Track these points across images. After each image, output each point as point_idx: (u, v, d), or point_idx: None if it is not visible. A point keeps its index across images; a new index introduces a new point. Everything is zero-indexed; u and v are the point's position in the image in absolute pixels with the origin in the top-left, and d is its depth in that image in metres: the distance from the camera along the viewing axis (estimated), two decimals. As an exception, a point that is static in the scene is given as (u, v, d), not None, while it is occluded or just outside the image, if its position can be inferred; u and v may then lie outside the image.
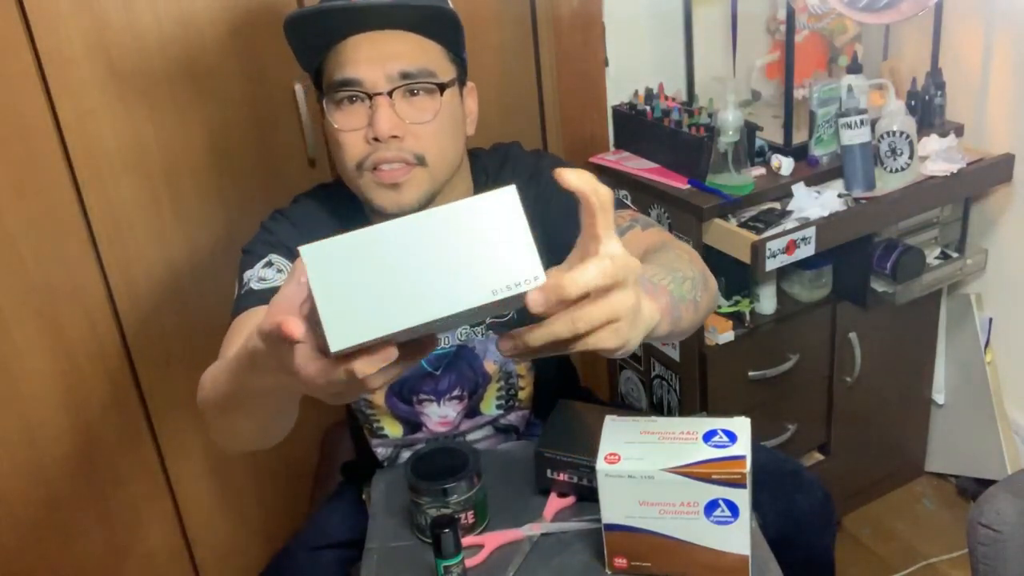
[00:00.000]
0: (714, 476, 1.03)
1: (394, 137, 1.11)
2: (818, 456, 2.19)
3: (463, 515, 1.17)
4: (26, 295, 1.63)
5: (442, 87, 1.14)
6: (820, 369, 2.07)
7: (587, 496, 1.22)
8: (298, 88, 1.70)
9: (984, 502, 1.24)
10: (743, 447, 1.05)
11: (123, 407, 1.79)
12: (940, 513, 2.30)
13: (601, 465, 1.07)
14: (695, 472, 1.03)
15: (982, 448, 2.22)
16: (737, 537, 1.06)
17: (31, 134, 1.55)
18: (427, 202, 1.16)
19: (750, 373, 1.96)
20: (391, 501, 1.28)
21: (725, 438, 1.07)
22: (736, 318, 1.95)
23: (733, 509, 1.04)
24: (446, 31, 1.15)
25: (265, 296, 1.17)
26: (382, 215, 1.14)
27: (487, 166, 1.32)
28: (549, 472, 1.24)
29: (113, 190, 1.64)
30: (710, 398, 1.94)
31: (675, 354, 1.98)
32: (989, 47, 1.97)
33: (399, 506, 1.26)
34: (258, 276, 1.21)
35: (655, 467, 1.04)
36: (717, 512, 1.05)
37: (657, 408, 2.11)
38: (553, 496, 1.25)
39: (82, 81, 1.55)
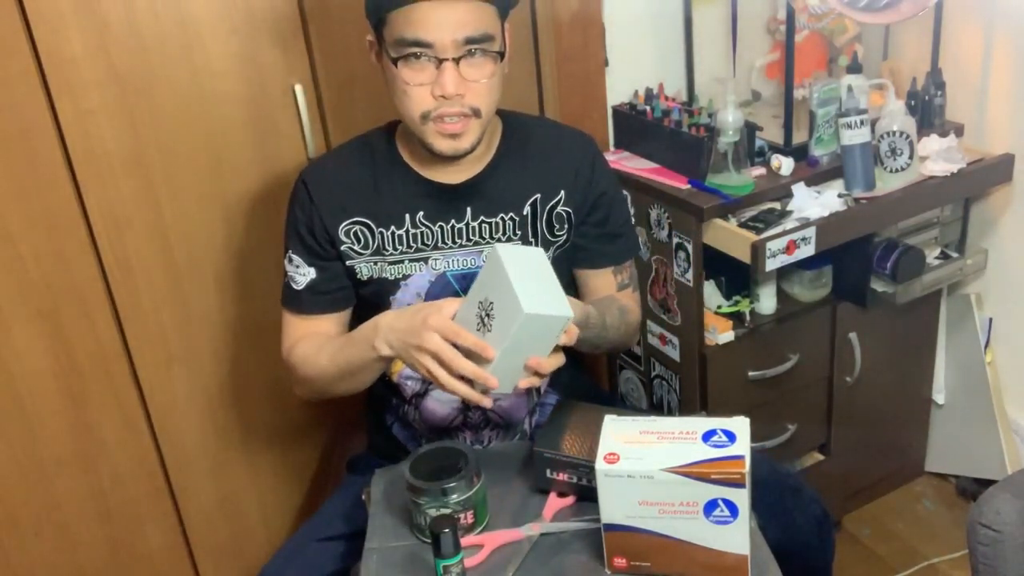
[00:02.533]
0: (713, 476, 1.03)
1: (458, 95, 1.27)
2: (818, 456, 2.19)
3: (462, 515, 1.17)
4: (26, 295, 1.63)
5: (500, 55, 1.29)
6: (820, 369, 2.07)
7: (586, 496, 1.22)
8: (298, 88, 1.70)
9: (984, 502, 1.24)
10: (742, 447, 1.06)
11: (123, 407, 1.78)
12: (940, 513, 2.30)
13: (600, 465, 1.07)
14: (694, 472, 1.04)
15: (982, 448, 2.22)
16: (736, 537, 1.06)
17: (31, 134, 1.55)
18: (477, 144, 1.34)
19: (750, 373, 1.96)
20: (391, 501, 1.29)
21: (724, 438, 1.08)
22: (736, 318, 1.95)
23: (732, 509, 1.05)
24: None
25: (311, 301, 1.45)
26: (440, 156, 1.33)
27: (534, 125, 1.51)
28: (548, 472, 1.24)
29: (113, 190, 1.64)
30: (710, 398, 1.94)
31: (675, 354, 1.98)
32: (989, 47, 1.97)
33: (399, 506, 1.26)
34: (292, 275, 1.45)
35: (654, 467, 1.05)
36: (716, 512, 1.05)
37: (657, 408, 2.11)
38: (552, 496, 1.25)
39: (82, 81, 1.55)
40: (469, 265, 1.43)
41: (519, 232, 1.43)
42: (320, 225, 1.41)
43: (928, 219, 2.02)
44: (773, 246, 1.72)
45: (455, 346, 1.16)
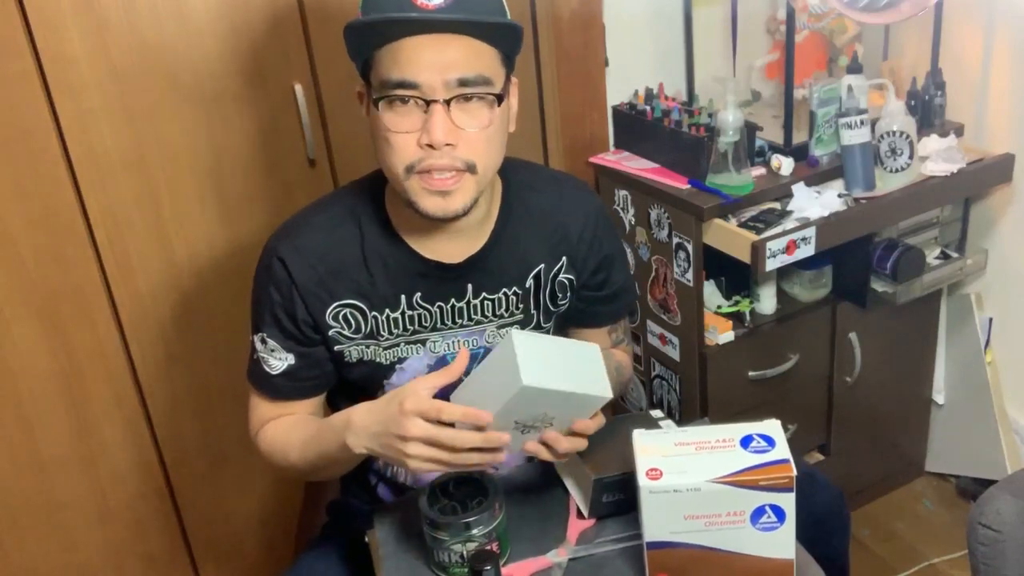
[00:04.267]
0: (762, 483, 1.01)
1: (448, 144, 1.10)
2: (818, 456, 2.19)
3: (488, 547, 1.10)
4: (26, 295, 1.63)
5: (499, 98, 1.13)
6: (820, 369, 2.07)
7: (608, 513, 1.18)
8: (298, 88, 1.70)
9: (984, 502, 1.24)
10: (784, 450, 1.04)
11: (123, 407, 1.78)
12: (940, 513, 2.30)
13: (644, 482, 1.02)
14: (743, 480, 1.01)
15: (982, 448, 2.21)
16: (783, 542, 1.04)
17: (31, 134, 1.55)
18: (471, 206, 1.16)
19: (750, 373, 1.96)
20: (402, 540, 1.20)
21: (763, 443, 1.05)
22: (736, 318, 1.95)
23: (780, 514, 1.03)
24: (507, 40, 1.14)
25: (286, 388, 1.28)
26: (426, 217, 1.15)
27: (533, 185, 1.32)
28: (605, 497, 1.18)
29: (113, 190, 1.64)
30: (710, 398, 1.94)
31: (675, 354, 1.98)
32: (989, 47, 1.97)
33: (413, 545, 1.18)
34: (265, 357, 1.26)
35: (701, 478, 1.01)
36: (763, 519, 1.03)
37: (657, 408, 2.11)
38: (572, 518, 1.20)
39: (82, 81, 1.55)
40: (471, 346, 1.29)
41: (520, 306, 1.30)
42: (303, 310, 1.22)
43: (928, 219, 2.02)
44: (773, 246, 1.72)
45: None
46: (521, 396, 1.02)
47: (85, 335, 1.70)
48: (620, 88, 2.04)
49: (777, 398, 2.03)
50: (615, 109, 2.04)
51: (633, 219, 1.97)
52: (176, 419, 1.84)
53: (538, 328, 1.33)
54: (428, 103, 1.09)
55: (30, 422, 1.72)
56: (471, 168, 1.13)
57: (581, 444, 1.14)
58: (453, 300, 1.26)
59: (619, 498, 1.17)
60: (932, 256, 2.04)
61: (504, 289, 1.28)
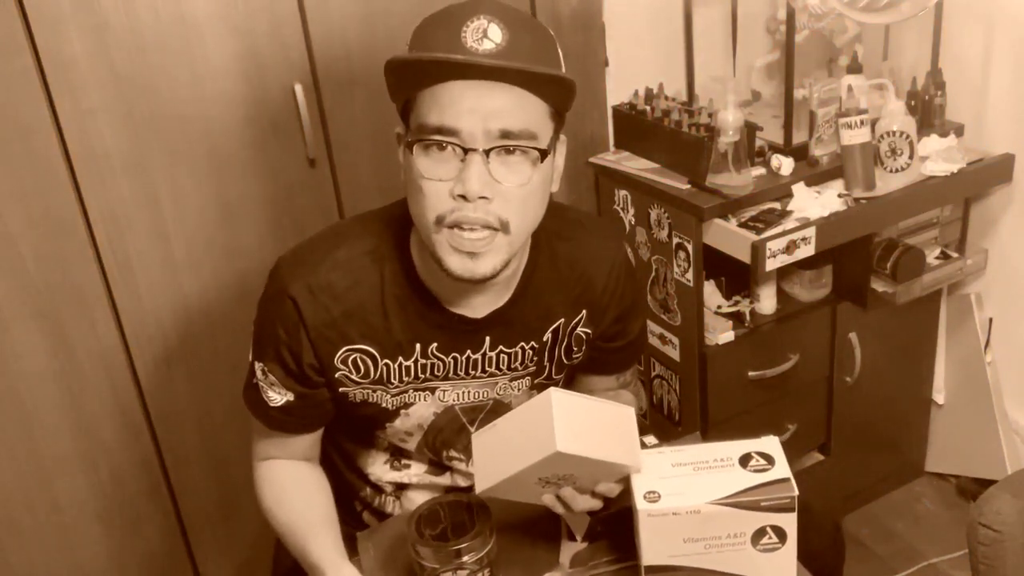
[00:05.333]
0: (763, 503, 0.99)
1: (482, 198, 1.02)
2: (818, 456, 2.19)
3: (480, 575, 1.07)
4: (26, 295, 1.63)
5: (543, 154, 1.05)
6: (820, 369, 2.07)
7: (599, 536, 1.16)
8: (298, 88, 1.69)
9: (984, 502, 1.24)
10: (784, 468, 1.02)
11: (123, 407, 1.78)
12: (940, 513, 2.30)
13: (642, 505, 1.00)
14: (743, 501, 0.99)
15: (982, 448, 2.21)
16: (784, 562, 1.02)
17: (31, 134, 1.55)
18: (501, 269, 1.08)
19: (750, 373, 1.96)
20: (389, 567, 1.16)
21: (762, 461, 1.03)
22: (736, 318, 1.95)
23: (781, 535, 1.01)
24: (559, 94, 1.07)
25: (282, 422, 1.23)
26: (450, 275, 1.07)
27: (560, 232, 1.24)
28: (599, 524, 1.16)
29: (113, 190, 1.64)
30: (710, 398, 1.94)
31: (675, 354, 1.98)
32: (989, 47, 1.97)
33: (400, 572, 1.15)
34: (263, 386, 1.20)
35: (701, 500, 0.99)
36: (764, 540, 1.01)
37: (657, 408, 2.11)
38: (564, 540, 1.17)
39: (82, 81, 1.55)
40: (481, 398, 1.25)
41: (535, 359, 1.25)
42: (311, 353, 1.16)
43: (928, 219, 2.02)
44: (773, 246, 1.72)
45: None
46: (552, 459, 1.00)
47: (85, 335, 1.70)
48: (620, 88, 2.04)
49: (777, 398, 2.03)
50: (615, 109, 2.04)
51: (633, 219, 1.97)
52: (176, 419, 1.84)
53: (549, 380, 1.28)
54: (466, 151, 1.01)
55: (30, 422, 1.72)
56: (504, 227, 1.05)
57: (597, 504, 1.11)
58: (469, 352, 1.20)
59: (615, 520, 1.15)
60: (932, 256, 2.04)
61: (522, 343, 1.22)
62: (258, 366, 1.19)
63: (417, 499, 1.33)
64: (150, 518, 1.89)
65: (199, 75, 1.63)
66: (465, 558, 1.04)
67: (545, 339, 1.24)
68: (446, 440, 1.29)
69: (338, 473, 1.37)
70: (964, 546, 1.27)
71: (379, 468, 1.34)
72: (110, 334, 1.72)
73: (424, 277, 1.16)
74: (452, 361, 1.20)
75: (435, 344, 1.18)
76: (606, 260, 1.25)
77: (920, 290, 1.99)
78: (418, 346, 1.18)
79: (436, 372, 1.20)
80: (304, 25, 1.68)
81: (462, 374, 1.22)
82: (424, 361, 1.19)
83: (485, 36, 1.00)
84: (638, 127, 1.98)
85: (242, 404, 1.26)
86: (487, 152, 1.01)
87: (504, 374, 1.24)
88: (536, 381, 1.28)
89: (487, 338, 1.20)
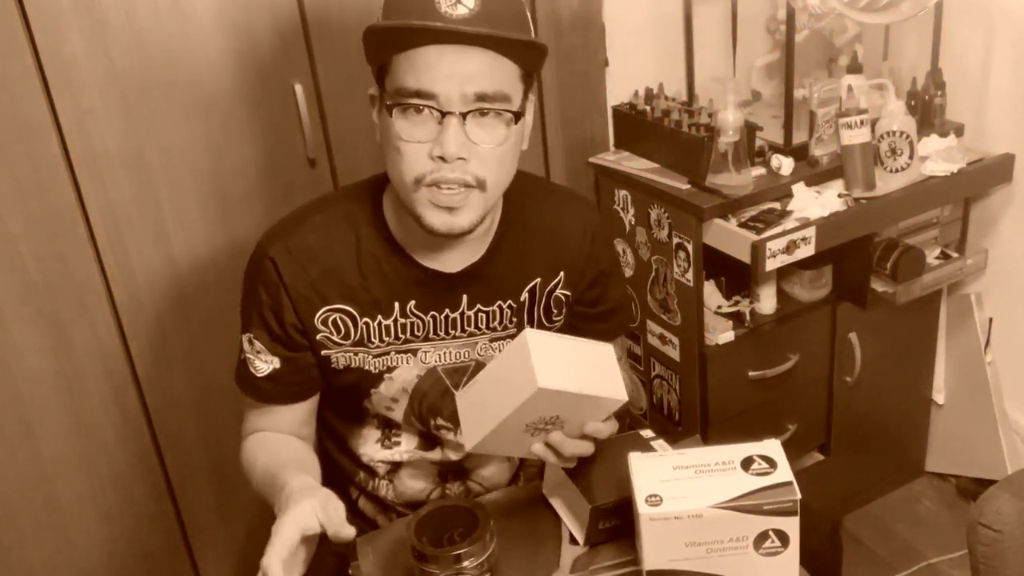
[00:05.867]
0: (766, 507, 0.99)
1: (460, 159, 1.08)
2: (818, 456, 2.19)
3: None
4: (26, 295, 1.63)
5: (517, 115, 1.11)
6: (820, 369, 2.07)
7: (603, 540, 1.15)
8: (298, 88, 1.69)
9: (984, 502, 1.24)
10: (786, 472, 1.01)
11: (123, 407, 1.78)
12: (940, 513, 2.30)
13: (644, 509, 0.99)
14: (746, 505, 0.99)
15: (982, 448, 2.21)
16: (786, 566, 1.02)
17: (31, 134, 1.55)
18: (478, 224, 1.14)
19: (750, 373, 1.96)
20: (389, 571, 1.16)
21: (764, 464, 1.03)
22: (736, 318, 1.95)
23: (783, 539, 1.01)
24: (530, 57, 1.12)
25: (271, 392, 1.26)
26: (431, 232, 1.13)
27: (535, 197, 1.30)
28: (601, 524, 1.15)
29: (113, 190, 1.64)
30: (710, 398, 1.94)
31: (675, 354, 1.98)
32: (989, 47, 1.97)
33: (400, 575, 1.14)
34: (251, 358, 1.25)
35: (703, 504, 0.99)
36: (767, 544, 1.01)
37: (657, 408, 2.11)
38: (565, 543, 1.17)
39: (82, 81, 1.55)
40: (462, 358, 1.28)
41: (515, 320, 1.28)
42: (292, 313, 1.20)
43: (928, 219, 2.02)
44: (773, 246, 1.72)
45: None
46: (536, 399, 1.01)
47: (85, 335, 1.70)
48: (620, 88, 2.04)
49: (777, 398, 2.03)
50: (615, 109, 2.04)
51: (633, 219, 1.97)
52: (176, 419, 1.84)
53: None
54: (443, 115, 1.06)
55: (30, 422, 1.72)
56: (481, 184, 1.10)
57: (588, 449, 1.13)
58: (447, 310, 1.24)
59: (615, 524, 1.14)
60: (932, 256, 2.04)
61: (499, 301, 1.26)
62: (245, 338, 1.24)
63: (409, 481, 1.36)
64: (150, 518, 1.89)
65: (199, 75, 1.63)
66: (465, 563, 1.04)
67: (522, 299, 1.27)
68: (432, 406, 1.30)
69: (331, 460, 1.38)
70: (964, 546, 1.27)
71: (371, 448, 1.35)
72: (110, 334, 1.72)
73: (399, 236, 1.21)
74: (431, 320, 1.24)
75: (413, 302, 1.22)
76: (580, 222, 1.30)
77: (920, 290, 1.99)
78: (396, 304, 1.22)
79: (416, 332, 1.24)
80: (304, 25, 1.68)
81: (442, 334, 1.25)
82: (403, 320, 1.23)
83: (459, 1, 1.04)
84: (638, 127, 1.98)
85: (242, 401, 1.28)
86: (463, 115, 1.06)
87: (483, 333, 1.27)
88: None
89: (464, 296, 1.24)
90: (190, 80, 1.63)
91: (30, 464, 1.74)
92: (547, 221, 1.28)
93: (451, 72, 1.05)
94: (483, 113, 1.08)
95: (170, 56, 1.60)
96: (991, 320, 2.15)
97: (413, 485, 1.37)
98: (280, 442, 1.28)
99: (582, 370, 1.06)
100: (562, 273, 1.29)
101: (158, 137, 1.64)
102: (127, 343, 1.75)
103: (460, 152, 1.07)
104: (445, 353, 1.27)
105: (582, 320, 1.35)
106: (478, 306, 1.25)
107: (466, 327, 1.26)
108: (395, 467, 1.36)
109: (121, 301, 1.71)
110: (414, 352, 1.25)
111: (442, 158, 1.07)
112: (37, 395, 1.70)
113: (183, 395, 1.83)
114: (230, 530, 1.98)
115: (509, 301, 1.26)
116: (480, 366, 1.28)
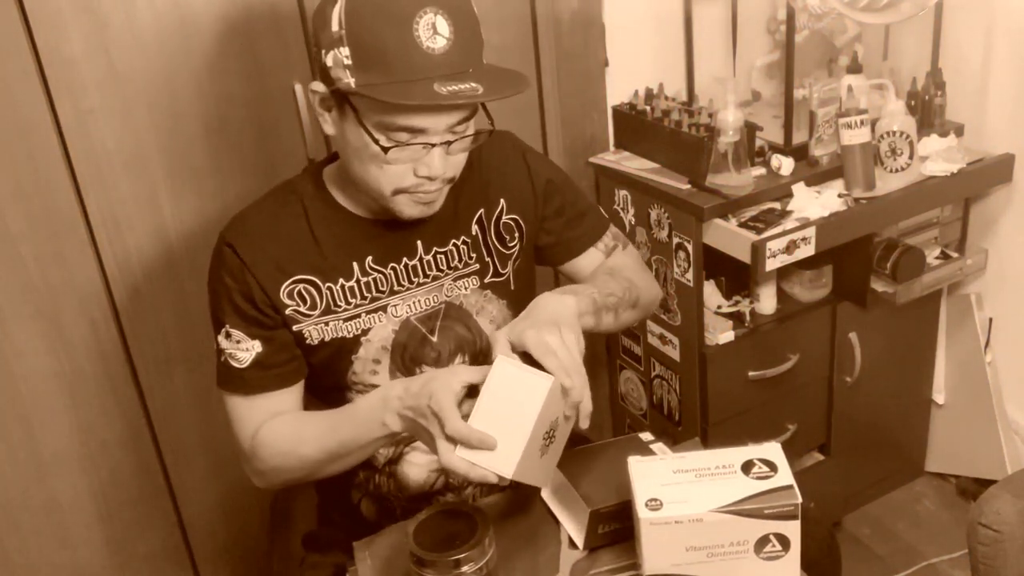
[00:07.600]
0: (767, 511, 0.98)
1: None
2: (818, 456, 2.19)
3: None
4: (26, 295, 1.63)
5: (489, 132, 1.20)
6: (820, 369, 2.07)
7: (603, 544, 1.15)
8: (298, 88, 1.70)
9: (984, 502, 1.24)
10: (787, 475, 1.01)
11: (123, 407, 1.78)
12: (940, 513, 2.30)
13: (644, 513, 0.99)
14: (747, 509, 0.98)
15: (982, 448, 2.22)
16: (787, 570, 1.01)
17: (31, 134, 1.55)
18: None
19: (750, 373, 1.96)
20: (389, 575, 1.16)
21: (765, 468, 1.02)
22: (736, 318, 1.95)
23: (784, 543, 1.00)
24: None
25: (259, 379, 1.26)
26: (404, 219, 1.21)
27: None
28: (601, 528, 1.14)
29: (113, 190, 1.64)
30: (710, 398, 1.94)
31: (675, 354, 1.98)
32: (989, 47, 1.97)
33: None
34: (232, 352, 1.25)
35: (704, 508, 0.98)
36: (768, 548, 1.01)
37: (657, 408, 2.11)
38: (564, 548, 1.16)
39: (82, 81, 1.55)
40: (432, 303, 1.30)
41: (473, 255, 1.31)
42: (259, 290, 1.22)
43: (928, 219, 2.02)
44: (773, 246, 1.72)
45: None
46: (550, 397, 1.02)
47: (85, 335, 1.70)
48: (620, 88, 2.04)
49: (777, 398, 2.03)
50: (615, 109, 2.04)
51: (633, 219, 1.97)
52: (176, 419, 1.84)
53: (498, 276, 1.34)
54: (431, 144, 1.13)
55: (30, 422, 1.72)
56: (451, 180, 1.21)
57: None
58: (405, 259, 1.27)
59: (615, 528, 1.13)
60: (932, 256, 2.04)
61: (452, 240, 1.30)
62: (221, 335, 1.25)
63: (409, 471, 1.34)
64: (150, 518, 1.89)
65: (199, 75, 1.64)
66: (464, 568, 1.03)
67: (474, 232, 1.32)
68: (414, 355, 1.30)
69: None
70: (964, 546, 1.27)
71: None
72: (110, 334, 1.73)
73: (343, 202, 1.27)
74: (392, 272, 1.27)
75: (370, 257, 1.25)
76: (501, 151, 1.35)
77: (920, 290, 1.99)
78: (355, 264, 1.25)
79: (381, 288, 1.27)
80: (304, 25, 1.68)
81: (406, 284, 1.28)
82: (365, 279, 1.26)
83: (435, 32, 1.08)
84: (638, 127, 1.98)
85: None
86: (448, 144, 1.14)
87: (446, 274, 1.30)
88: (486, 280, 1.33)
89: (418, 242, 1.28)
90: (190, 80, 1.63)
91: (30, 464, 1.74)
92: (472, 160, 1.29)
93: (440, 117, 1.11)
94: (463, 134, 1.16)
95: (170, 56, 1.60)
96: (991, 320, 2.15)
97: (415, 476, 1.35)
98: (302, 418, 1.28)
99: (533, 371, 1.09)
100: (502, 200, 1.34)
101: (158, 137, 1.64)
102: (127, 343, 1.75)
103: (446, 172, 1.16)
104: (414, 303, 1.29)
105: (558, 232, 1.39)
106: (434, 248, 1.29)
107: (428, 271, 1.29)
108: (394, 459, 1.35)
109: (121, 301, 1.71)
110: (384, 308, 1.27)
111: (428, 177, 1.15)
112: (37, 395, 1.70)
113: (183, 395, 1.83)
114: (230, 530, 1.98)
115: (463, 237, 1.31)
116: (450, 306, 1.30)
